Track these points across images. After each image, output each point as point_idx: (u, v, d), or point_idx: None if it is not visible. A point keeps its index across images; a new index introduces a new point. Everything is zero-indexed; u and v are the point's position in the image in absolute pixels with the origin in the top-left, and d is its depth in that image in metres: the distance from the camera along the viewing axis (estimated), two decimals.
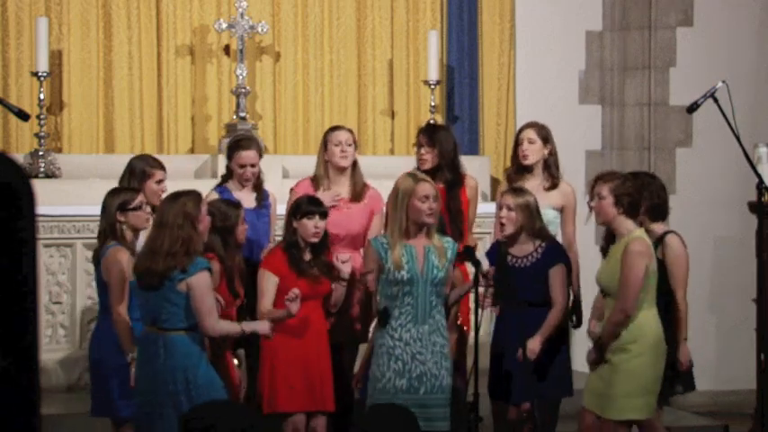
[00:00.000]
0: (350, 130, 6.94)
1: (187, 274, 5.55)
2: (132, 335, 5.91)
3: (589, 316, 6.29)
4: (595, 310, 6.20)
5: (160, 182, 6.61)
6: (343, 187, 6.78)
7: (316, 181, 6.79)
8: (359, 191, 6.79)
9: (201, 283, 5.57)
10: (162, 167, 6.70)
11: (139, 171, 6.58)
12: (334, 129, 6.98)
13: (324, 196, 6.52)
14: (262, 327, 5.85)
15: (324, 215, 6.23)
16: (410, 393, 5.75)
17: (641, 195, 6.08)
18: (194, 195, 5.74)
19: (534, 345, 6.12)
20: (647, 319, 5.86)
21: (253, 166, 6.80)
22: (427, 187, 5.91)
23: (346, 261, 6.28)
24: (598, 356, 5.90)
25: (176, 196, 5.75)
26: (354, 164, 6.82)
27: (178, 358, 5.57)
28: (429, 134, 6.92)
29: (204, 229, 5.72)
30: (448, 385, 5.86)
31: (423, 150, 6.81)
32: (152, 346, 5.64)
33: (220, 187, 6.84)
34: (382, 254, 5.89)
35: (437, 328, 5.88)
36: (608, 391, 5.86)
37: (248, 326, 5.85)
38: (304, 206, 6.24)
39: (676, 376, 6.27)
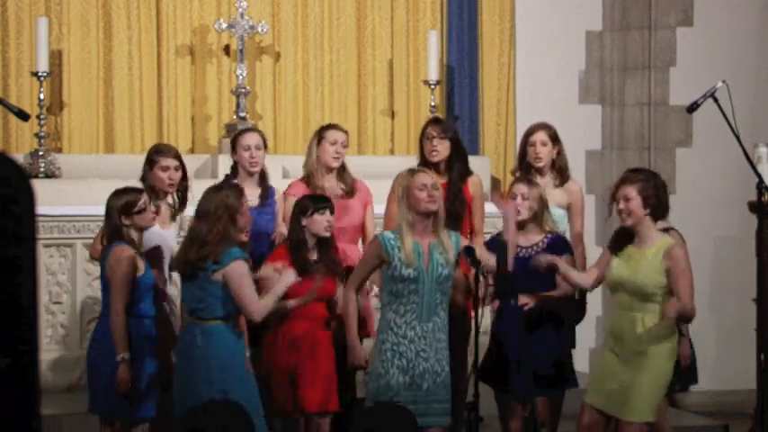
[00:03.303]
0: (346, 131, 6.91)
1: (221, 265, 5.59)
2: (126, 335, 5.88)
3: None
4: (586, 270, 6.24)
5: (166, 169, 6.43)
6: (331, 183, 6.77)
7: (307, 180, 6.75)
8: (351, 185, 6.79)
9: (237, 273, 5.60)
10: (168, 154, 6.52)
11: (148, 159, 6.50)
12: (331, 126, 6.92)
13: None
14: (286, 279, 5.76)
15: (333, 209, 6.24)
16: (412, 390, 5.74)
17: (665, 195, 6.03)
18: (237, 189, 5.84)
19: (527, 299, 6.14)
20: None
21: (258, 148, 6.69)
22: (423, 176, 5.88)
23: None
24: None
25: (219, 188, 5.86)
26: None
27: (215, 346, 5.63)
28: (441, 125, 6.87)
29: (245, 223, 5.74)
30: (449, 380, 5.86)
31: (435, 141, 6.70)
32: (189, 336, 5.71)
33: None
34: (389, 250, 5.81)
35: (441, 327, 5.86)
36: (630, 393, 5.81)
37: (278, 290, 5.74)
38: (313, 203, 6.23)
39: (675, 374, 6.24)
